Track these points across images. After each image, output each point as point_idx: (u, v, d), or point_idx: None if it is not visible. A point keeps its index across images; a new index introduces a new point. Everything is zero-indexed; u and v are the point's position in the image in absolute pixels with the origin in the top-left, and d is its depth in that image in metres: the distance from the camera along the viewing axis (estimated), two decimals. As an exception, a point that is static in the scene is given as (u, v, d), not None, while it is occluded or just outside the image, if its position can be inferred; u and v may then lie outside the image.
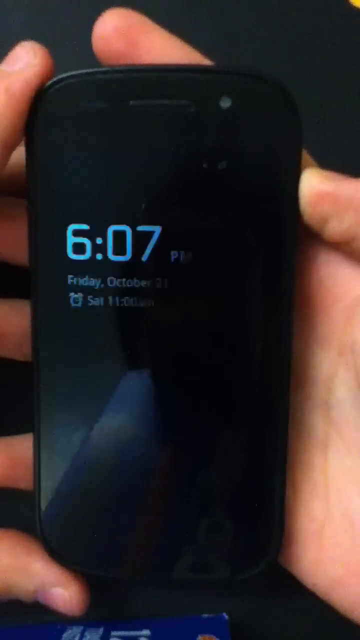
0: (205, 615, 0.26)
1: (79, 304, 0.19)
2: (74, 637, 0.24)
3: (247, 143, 0.18)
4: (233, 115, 0.18)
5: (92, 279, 0.19)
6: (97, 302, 0.19)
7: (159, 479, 0.20)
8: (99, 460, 0.20)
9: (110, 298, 0.19)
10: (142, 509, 0.20)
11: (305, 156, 0.19)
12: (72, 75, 0.18)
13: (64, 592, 0.21)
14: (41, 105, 0.18)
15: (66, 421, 0.20)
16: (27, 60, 0.18)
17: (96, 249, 0.19)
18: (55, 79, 0.18)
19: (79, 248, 0.19)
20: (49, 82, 0.18)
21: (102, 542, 0.20)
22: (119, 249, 0.19)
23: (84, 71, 0.18)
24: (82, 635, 0.25)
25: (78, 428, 0.20)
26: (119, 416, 0.20)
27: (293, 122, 0.18)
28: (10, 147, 0.18)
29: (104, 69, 0.18)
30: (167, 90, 0.18)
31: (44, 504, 0.20)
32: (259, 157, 0.18)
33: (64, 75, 0.18)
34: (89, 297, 0.19)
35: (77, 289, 0.19)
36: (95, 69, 0.18)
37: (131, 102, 0.18)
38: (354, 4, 0.25)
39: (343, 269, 0.20)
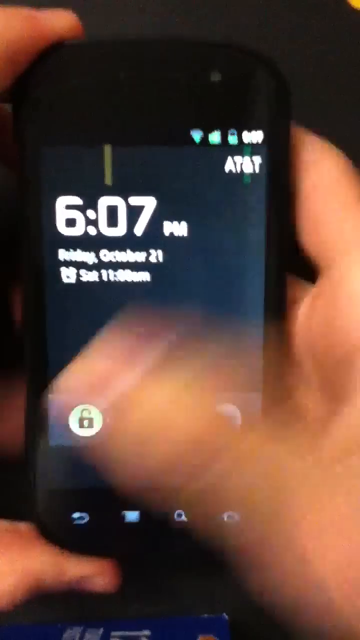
0: (205, 615, 0.26)
1: (72, 279, 0.19)
2: (74, 637, 0.24)
3: (236, 117, 0.19)
4: (223, 88, 0.18)
5: (84, 252, 0.19)
6: (90, 277, 0.19)
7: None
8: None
9: (103, 272, 0.19)
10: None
11: (301, 131, 0.19)
12: (63, 45, 0.18)
13: (98, 580, 0.21)
14: (31, 76, 0.18)
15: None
16: (62, 17, 0.18)
17: (88, 222, 0.19)
18: (46, 48, 0.18)
19: (70, 222, 0.19)
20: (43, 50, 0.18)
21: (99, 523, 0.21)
22: (112, 222, 0.19)
23: (73, 42, 0.18)
24: (82, 635, 0.25)
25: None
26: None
27: (282, 96, 0.19)
28: (14, 69, 0.18)
29: (94, 40, 0.19)
30: (156, 63, 0.18)
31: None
32: (247, 131, 0.19)
33: (54, 44, 0.18)
34: (82, 271, 0.19)
35: (69, 264, 0.19)
36: (85, 41, 0.18)
37: (121, 74, 0.18)
38: (353, 5, 0.25)
39: None
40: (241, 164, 0.19)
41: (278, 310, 0.20)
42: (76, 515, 0.20)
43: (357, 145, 0.25)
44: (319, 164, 0.19)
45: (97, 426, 0.20)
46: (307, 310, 0.20)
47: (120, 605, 0.26)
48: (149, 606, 0.26)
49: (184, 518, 0.21)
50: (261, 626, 0.27)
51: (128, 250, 0.19)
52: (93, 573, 0.21)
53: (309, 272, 0.20)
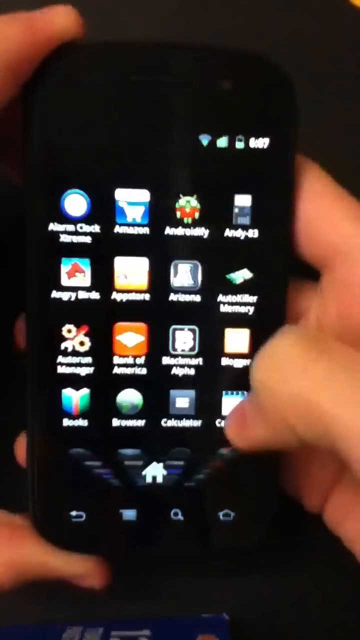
0: (205, 615, 0.26)
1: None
2: (74, 637, 0.24)
3: (244, 123, 0.19)
4: (233, 96, 0.19)
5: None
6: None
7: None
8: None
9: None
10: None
11: (305, 159, 0.20)
12: (74, 46, 0.18)
13: (86, 580, 0.21)
14: (40, 79, 0.18)
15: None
16: (60, 15, 0.17)
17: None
18: (58, 47, 0.18)
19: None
20: (52, 51, 0.18)
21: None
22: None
23: (86, 43, 0.18)
24: (82, 635, 0.24)
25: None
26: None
27: (290, 105, 0.19)
28: (16, 77, 0.18)
29: (106, 42, 0.18)
30: (169, 68, 0.18)
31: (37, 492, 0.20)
32: (255, 137, 0.19)
33: (65, 45, 0.18)
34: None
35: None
36: (97, 42, 0.18)
37: (133, 78, 0.18)
38: (354, 4, 0.25)
39: None
40: (247, 168, 0.19)
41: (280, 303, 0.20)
42: (73, 513, 0.20)
43: (357, 144, 0.25)
44: (309, 178, 0.19)
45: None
46: (320, 303, 0.20)
47: (120, 605, 0.26)
48: (149, 606, 0.26)
49: (180, 517, 0.21)
50: (261, 626, 0.27)
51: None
52: (80, 574, 0.21)
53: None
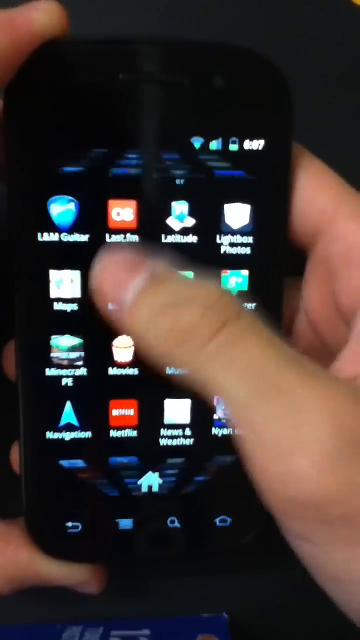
0: (205, 615, 0.26)
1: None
2: (74, 636, 0.25)
3: (238, 124, 0.18)
4: (226, 93, 0.18)
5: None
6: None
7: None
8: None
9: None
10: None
11: (300, 148, 0.19)
12: (58, 44, 0.17)
13: (83, 587, 0.21)
14: (25, 75, 0.17)
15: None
16: (42, 11, 0.16)
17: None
18: (42, 46, 0.17)
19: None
20: (35, 50, 0.17)
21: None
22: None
23: (70, 41, 0.17)
24: (82, 635, 0.25)
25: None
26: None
27: (285, 102, 0.18)
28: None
29: (93, 39, 0.17)
30: (159, 66, 0.18)
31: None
32: (251, 136, 0.18)
33: (51, 42, 0.17)
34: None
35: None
36: (83, 39, 0.17)
37: (121, 76, 0.17)
38: (354, 2, 0.25)
39: None
40: (241, 170, 0.18)
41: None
42: (69, 524, 0.20)
43: (357, 144, 0.25)
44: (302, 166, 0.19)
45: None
46: (305, 289, 0.20)
47: (120, 605, 0.26)
48: (149, 606, 0.26)
49: (177, 524, 0.21)
50: (261, 626, 0.27)
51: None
52: (78, 582, 0.21)
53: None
